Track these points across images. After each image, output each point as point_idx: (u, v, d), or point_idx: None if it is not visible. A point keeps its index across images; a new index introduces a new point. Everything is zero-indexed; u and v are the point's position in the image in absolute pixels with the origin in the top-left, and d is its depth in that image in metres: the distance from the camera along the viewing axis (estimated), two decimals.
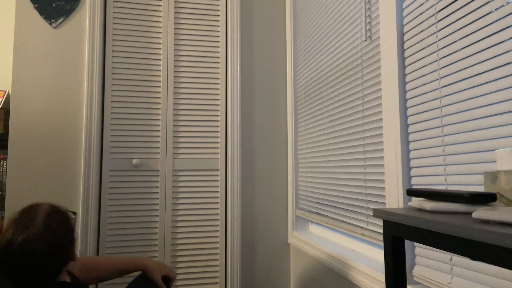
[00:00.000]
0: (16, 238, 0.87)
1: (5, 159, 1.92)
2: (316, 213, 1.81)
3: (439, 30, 0.97)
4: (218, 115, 2.10)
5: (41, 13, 1.94)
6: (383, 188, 1.21)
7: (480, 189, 0.84)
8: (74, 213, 1.03)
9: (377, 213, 0.74)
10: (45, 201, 0.99)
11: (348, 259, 1.40)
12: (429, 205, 0.64)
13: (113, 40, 2.01)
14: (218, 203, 2.05)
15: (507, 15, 0.76)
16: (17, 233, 0.88)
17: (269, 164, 2.14)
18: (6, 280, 0.87)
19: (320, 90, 1.74)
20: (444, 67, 0.95)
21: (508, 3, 0.76)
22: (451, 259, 0.92)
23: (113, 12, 2.02)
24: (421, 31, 1.04)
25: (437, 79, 0.97)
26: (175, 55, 2.07)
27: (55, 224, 0.91)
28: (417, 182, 1.06)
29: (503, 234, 0.43)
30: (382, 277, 1.18)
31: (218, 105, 2.10)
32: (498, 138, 0.79)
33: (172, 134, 2.03)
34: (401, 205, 1.08)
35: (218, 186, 2.06)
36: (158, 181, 2.00)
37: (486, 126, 0.82)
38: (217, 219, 2.04)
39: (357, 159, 1.38)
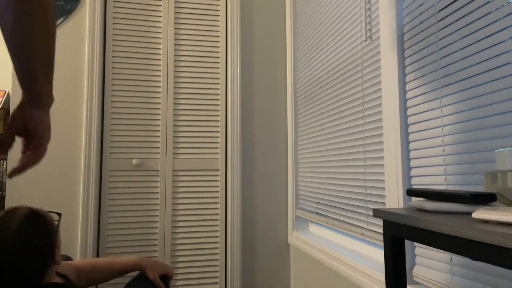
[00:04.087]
0: None
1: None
2: (316, 213, 1.80)
3: (439, 30, 0.97)
4: (218, 115, 2.10)
5: None
6: (383, 188, 1.21)
7: (480, 189, 0.83)
8: (59, 214, 1.01)
9: (377, 213, 0.74)
10: (26, 205, 0.98)
11: (348, 259, 1.40)
12: (429, 205, 0.64)
13: (113, 40, 2.01)
14: (218, 203, 2.05)
15: (507, 15, 0.76)
16: None
17: (269, 164, 2.14)
18: None
19: (320, 90, 1.74)
20: (444, 67, 0.95)
21: (508, 3, 0.76)
22: (451, 259, 0.92)
23: (113, 12, 2.02)
24: (421, 31, 1.04)
25: (437, 79, 0.97)
26: (175, 55, 2.07)
27: (29, 229, 0.90)
28: (417, 182, 1.05)
29: (503, 234, 0.43)
30: (382, 277, 1.18)
31: (218, 105, 2.10)
32: (498, 138, 0.79)
33: (172, 134, 2.03)
34: (401, 205, 1.08)
35: (218, 186, 2.06)
36: (158, 181, 2.00)
37: (486, 126, 0.82)
38: (217, 219, 2.04)
39: (357, 159, 1.38)
